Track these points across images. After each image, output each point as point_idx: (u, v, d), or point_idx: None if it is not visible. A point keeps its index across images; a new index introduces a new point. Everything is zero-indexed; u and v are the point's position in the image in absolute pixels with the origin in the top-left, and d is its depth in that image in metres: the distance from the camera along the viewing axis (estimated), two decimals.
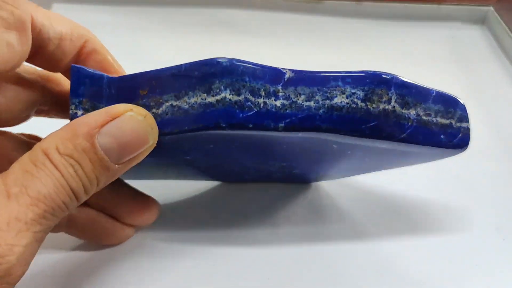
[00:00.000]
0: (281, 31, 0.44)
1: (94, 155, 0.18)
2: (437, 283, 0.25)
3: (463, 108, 0.23)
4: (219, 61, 0.19)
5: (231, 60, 0.19)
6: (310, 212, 0.29)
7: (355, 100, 0.20)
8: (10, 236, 0.16)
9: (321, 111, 0.20)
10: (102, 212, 0.24)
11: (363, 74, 0.21)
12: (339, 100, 0.20)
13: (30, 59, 0.22)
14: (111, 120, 0.19)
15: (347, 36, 0.44)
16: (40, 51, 0.21)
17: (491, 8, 0.46)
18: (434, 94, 0.22)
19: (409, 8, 0.46)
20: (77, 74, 0.20)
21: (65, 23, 0.22)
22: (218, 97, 0.19)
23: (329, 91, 0.20)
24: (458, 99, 0.23)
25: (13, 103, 0.22)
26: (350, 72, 0.21)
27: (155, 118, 0.20)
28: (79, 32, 0.22)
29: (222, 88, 0.19)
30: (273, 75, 0.20)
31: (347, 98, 0.20)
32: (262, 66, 0.20)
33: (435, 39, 0.45)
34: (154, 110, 0.20)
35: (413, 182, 0.31)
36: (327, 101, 0.20)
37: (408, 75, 0.43)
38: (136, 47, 0.41)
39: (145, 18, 0.45)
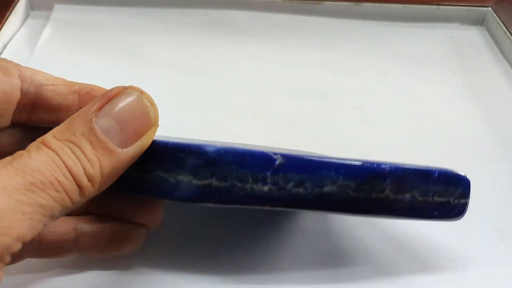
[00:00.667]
0: (280, 32, 0.44)
1: (94, 137, 0.18)
2: (434, 283, 0.26)
3: (466, 185, 0.22)
4: (206, 151, 0.19)
5: (218, 150, 0.19)
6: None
7: (347, 190, 0.20)
8: None
9: (309, 196, 0.20)
10: (109, 217, 0.23)
11: (359, 164, 0.20)
12: (330, 189, 0.20)
13: (33, 111, 0.22)
14: (107, 102, 0.18)
15: (346, 37, 0.45)
16: (39, 98, 0.22)
17: (490, 9, 0.46)
18: (436, 175, 0.21)
19: (407, 9, 0.46)
20: None
21: (50, 75, 0.22)
22: (204, 182, 0.19)
23: (320, 179, 0.19)
24: (463, 176, 0.22)
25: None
26: (345, 160, 0.20)
27: (142, 181, 0.20)
28: (67, 80, 0.23)
29: (208, 175, 0.19)
30: (263, 161, 0.19)
31: (338, 188, 0.20)
32: (252, 153, 0.19)
33: (434, 39, 0.45)
34: (142, 174, 0.20)
35: None
36: (317, 189, 0.20)
37: (407, 76, 0.43)
38: (136, 48, 0.41)
39: (145, 18, 0.45)
